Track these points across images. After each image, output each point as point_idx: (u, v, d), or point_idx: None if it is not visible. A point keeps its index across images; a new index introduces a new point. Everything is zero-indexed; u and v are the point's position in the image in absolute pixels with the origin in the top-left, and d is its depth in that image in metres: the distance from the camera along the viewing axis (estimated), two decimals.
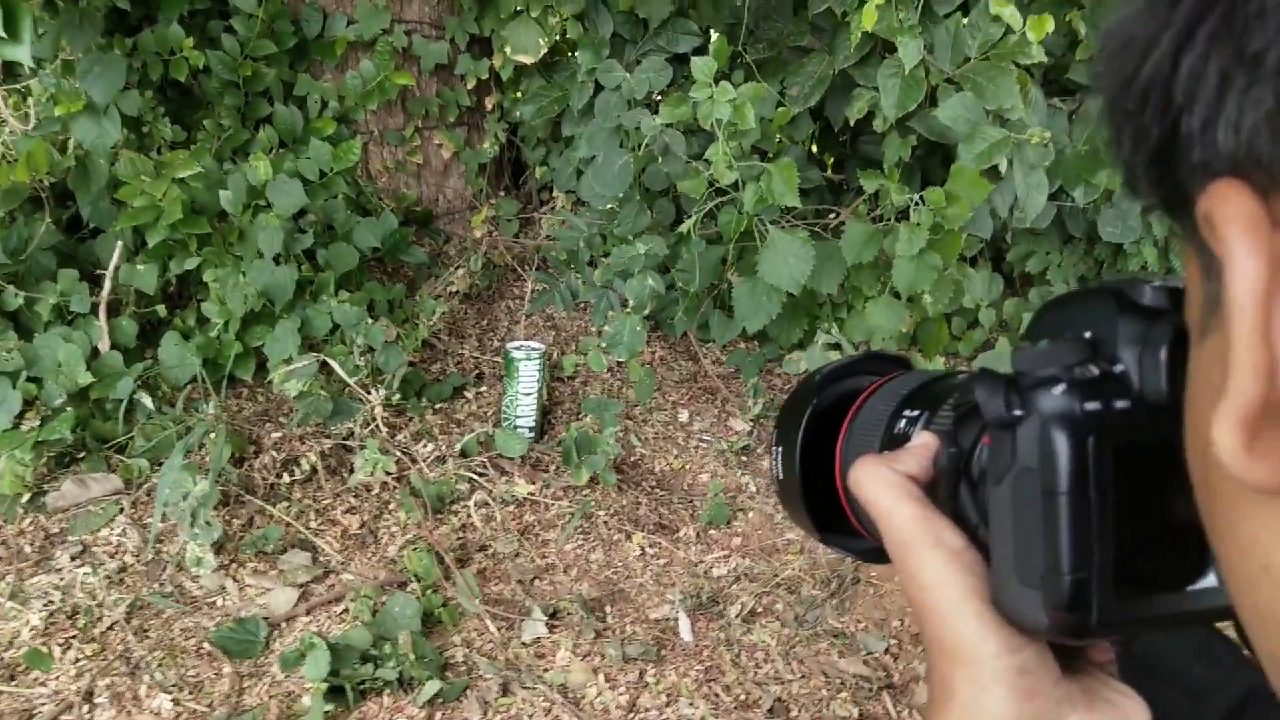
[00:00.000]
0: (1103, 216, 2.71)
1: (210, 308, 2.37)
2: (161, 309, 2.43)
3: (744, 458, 2.46)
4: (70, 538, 2.00)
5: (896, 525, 0.44)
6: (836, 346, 2.53)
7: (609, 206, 2.74)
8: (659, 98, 2.73)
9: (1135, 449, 0.36)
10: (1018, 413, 0.37)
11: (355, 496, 2.18)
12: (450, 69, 3.01)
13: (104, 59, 2.20)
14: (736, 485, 2.37)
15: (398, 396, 2.36)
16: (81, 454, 2.17)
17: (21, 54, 1.48)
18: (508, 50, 2.81)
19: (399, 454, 2.23)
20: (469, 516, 2.14)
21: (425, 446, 2.29)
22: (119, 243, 2.36)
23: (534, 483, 2.24)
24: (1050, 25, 2.37)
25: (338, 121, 2.84)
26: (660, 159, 2.57)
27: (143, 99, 2.48)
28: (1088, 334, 0.38)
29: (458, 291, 2.82)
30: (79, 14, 2.21)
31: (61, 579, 1.92)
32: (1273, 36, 0.22)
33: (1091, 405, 0.36)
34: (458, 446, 2.29)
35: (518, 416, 2.38)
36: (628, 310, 2.41)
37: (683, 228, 2.49)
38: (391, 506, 2.16)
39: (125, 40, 2.48)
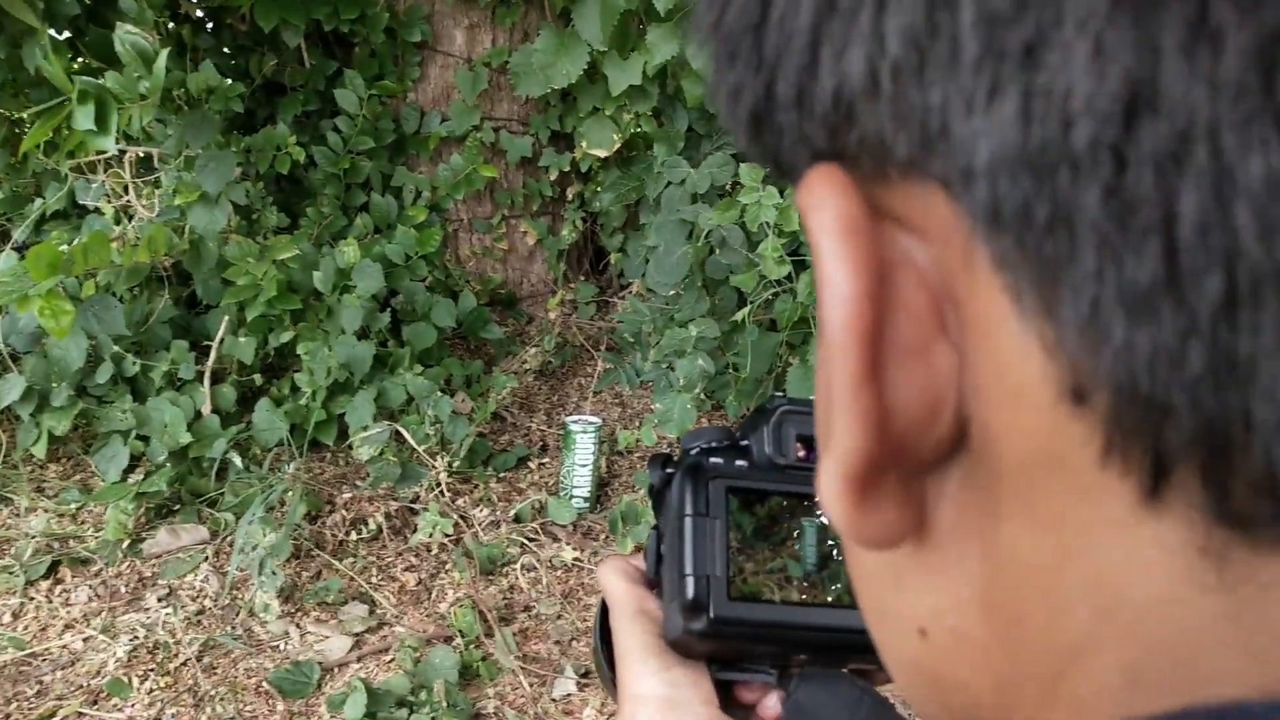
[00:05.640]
0: None
1: (302, 378, 2.61)
2: (259, 378, 2.68)
3: None
4: (160, 581, 2.22)
5: (612, 599, 0.53)
6: None
7: (672, 293, 2.89)
8: (729, 189, 2.89)
9: (760, 496, 0.48)
10: (670, 471, 0.50)
11: (415, 555, 2.34)
12: (535, 161, 3.24)
13: (218, 155, 2.48)
14: None
15: (462, 464, 2.53)
16: (177, 506, 2.40)
17: (108, 144, 1.75)
18: (584, 145, 3.02)
19: (457, 518, 2.39)
20: (517, 578, 2.28)
21: (482, 511, 2.44)
22: (225, 317, 2.62)
23: (582, 550, 2.36)
24: None
25: (430, 210, 3.09)
26: (718, 251, 2.72)
27: (254, 189, 2.78)
28: (738, 431, 0.51)
29: (531, 369, 3.00)
30: (201, 116, 2.51)
31: (148, 618, 2.13)
32: None
33: (716, 460, 0.48)
34: (513, 513, 2.44)
35: (574, 487, 2.51)
36: (679, 388, 2.53)
37: (738, 316, 2.61)
38: (448, 566, 2.31)
39: (240, 137, 2.79)
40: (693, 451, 0.49)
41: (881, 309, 0.19)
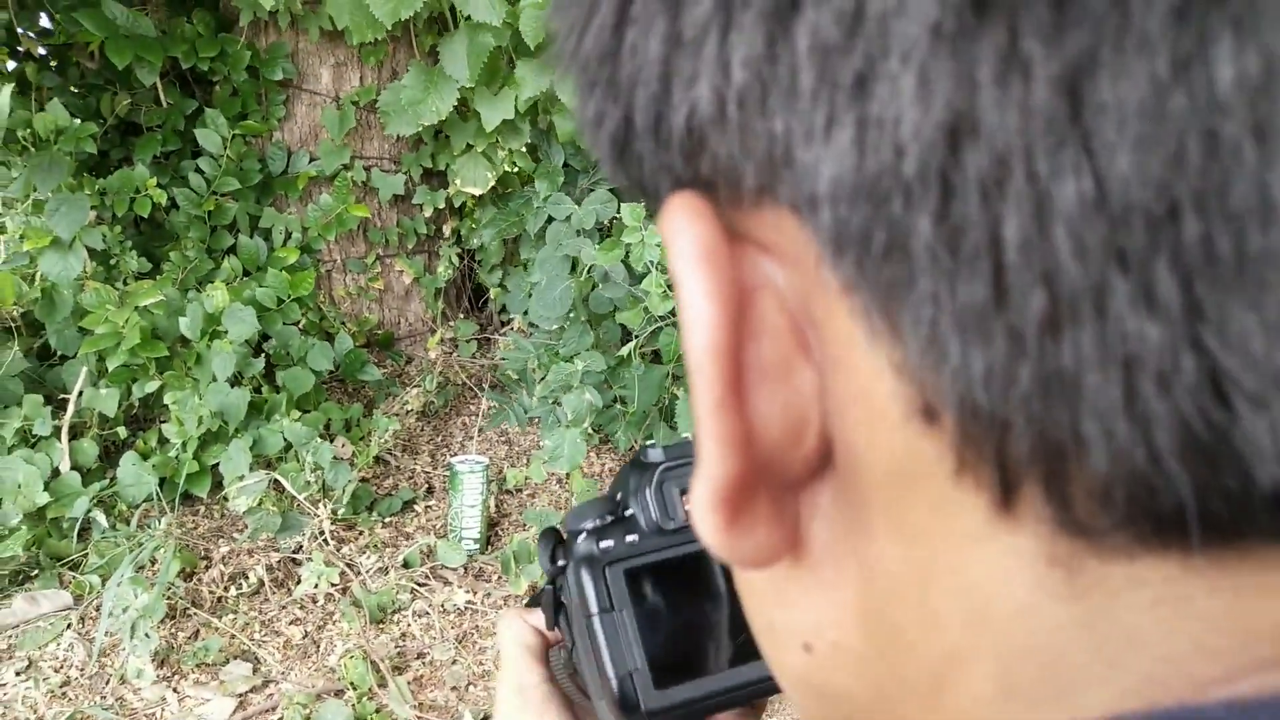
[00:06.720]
0: None
1: (171, 428, 2.48)
2: (123, 431, 2.54)
3: None
4: (18, 653, 2.06)
5: (525, 686, 0.52)
6: None
7: (556, 328, 2.88)
8: (610, 225, 2.90)
9: (655, 568, 0.46)
10: (561, 563, 0.47)
11: (300, 608, 2.24)
12: (408, 199, 3.19)
13: (70, 199, 2.36)
14: None
15: (345, 510, 2.44)
16: (35, 571, 2.24)
17: None
18: (458, 183, 2.99)
19: (343, 566, 2.31)
20: (409, 625, 2.21)
21: (369, 558, 2.36)
22: (83, 368, 2.48)
23: (475, 592, 2.31)
24: None
25: (301, 251, 3.00)
26: (600, 285, 2.72)
27: (111, 233, 2.64)
28: (619, 492, 0.48)
29: (413, 410, 2.93)
30: (49, 158, 2.38)
31: (4, 694, 1.97)
32: (709, 14, 0.18)
33: (606, 544, 0.45)
34: (401, 558, 2.36)
35: (463, 528, 2.46)
36: (568, 423, 2.51)
37: (623, 351, 2.62)
38: (335, 617, 2.22)
39: (94, 179, 2.66)
40: (581, 537, 0.46)
41: (742, 331, 0.19)
